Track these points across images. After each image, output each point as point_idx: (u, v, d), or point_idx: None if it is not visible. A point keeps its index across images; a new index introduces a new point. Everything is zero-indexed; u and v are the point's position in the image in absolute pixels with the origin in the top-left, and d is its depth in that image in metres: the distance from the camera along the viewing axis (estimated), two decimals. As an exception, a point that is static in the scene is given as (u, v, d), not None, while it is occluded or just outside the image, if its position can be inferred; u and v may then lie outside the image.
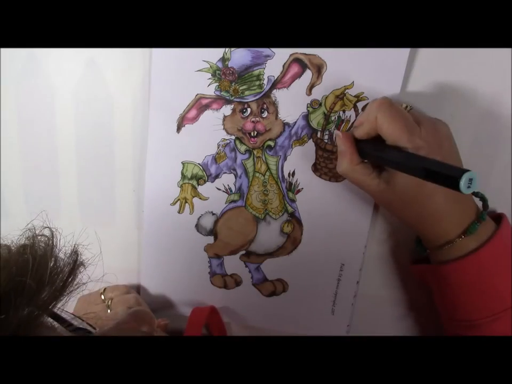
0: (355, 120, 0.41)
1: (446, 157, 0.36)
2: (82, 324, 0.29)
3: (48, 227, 0.26)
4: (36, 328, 0.23)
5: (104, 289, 0.44)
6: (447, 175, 0.30)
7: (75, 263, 0.26)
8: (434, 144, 0.35)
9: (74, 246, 0.26)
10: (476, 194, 0.39)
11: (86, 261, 0.27)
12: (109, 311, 0.41)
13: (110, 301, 0.42)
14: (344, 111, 0.41)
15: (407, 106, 0.39)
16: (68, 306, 0.47)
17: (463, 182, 0.28)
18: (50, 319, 0.26)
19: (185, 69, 0.40)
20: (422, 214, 0.37)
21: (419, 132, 0.35)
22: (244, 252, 0.46)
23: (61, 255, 0.26)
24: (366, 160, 0.38)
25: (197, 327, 0.43)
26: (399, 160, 0.34)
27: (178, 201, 0.44)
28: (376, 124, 0.36)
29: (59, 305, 0.25)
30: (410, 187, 0.36)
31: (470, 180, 0.29)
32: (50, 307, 0.24)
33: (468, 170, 0.29)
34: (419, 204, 0.36)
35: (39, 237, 0.26)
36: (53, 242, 0.26)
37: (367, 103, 0.40)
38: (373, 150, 0.37)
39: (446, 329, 0.42)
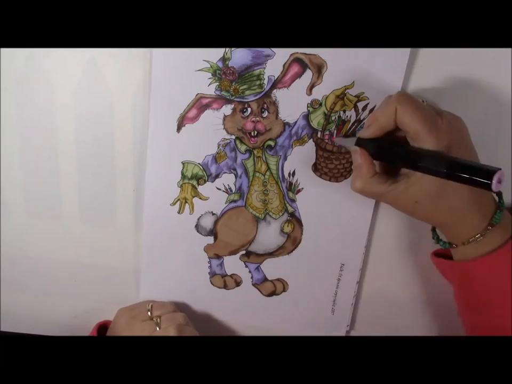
0: (356, 120, 0.41)
1: (467, 148, 0.36)
2: None
3: None
4: None
5: (151, 306, 0.44)
6: (477, 179, 0.29)
7: None
8: (455, 135, 0.35)
9: None
10: None
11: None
12: (157, 328, 0.41)
13: (158, 319, 0.42)
14: (344, 111, 0.41)
15: (423, 101, 0.38)
16: (106, 316, 0.47)
17: (494, 183, 0.28)
18: None
19: (185, 69, 0.40)
20: (451, 207, 0.36)
21: (440, 123, 0.34)
22: (243, 252, 0.46)
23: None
24: (378, 172, 0.37)
25: None
26: (424, 163, 0.33)
27: (178, 201, 0.44)
28: (394, 117, 0.35)
29: None
30: (436, 179, 0.34)
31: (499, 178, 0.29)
32: None
33: (497, 170, 0.28)
34: (446, 197, 0.35)
35: None
36: None
37: (368, 103, 0.40)
38: (392, 154, 0.36)
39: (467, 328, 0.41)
